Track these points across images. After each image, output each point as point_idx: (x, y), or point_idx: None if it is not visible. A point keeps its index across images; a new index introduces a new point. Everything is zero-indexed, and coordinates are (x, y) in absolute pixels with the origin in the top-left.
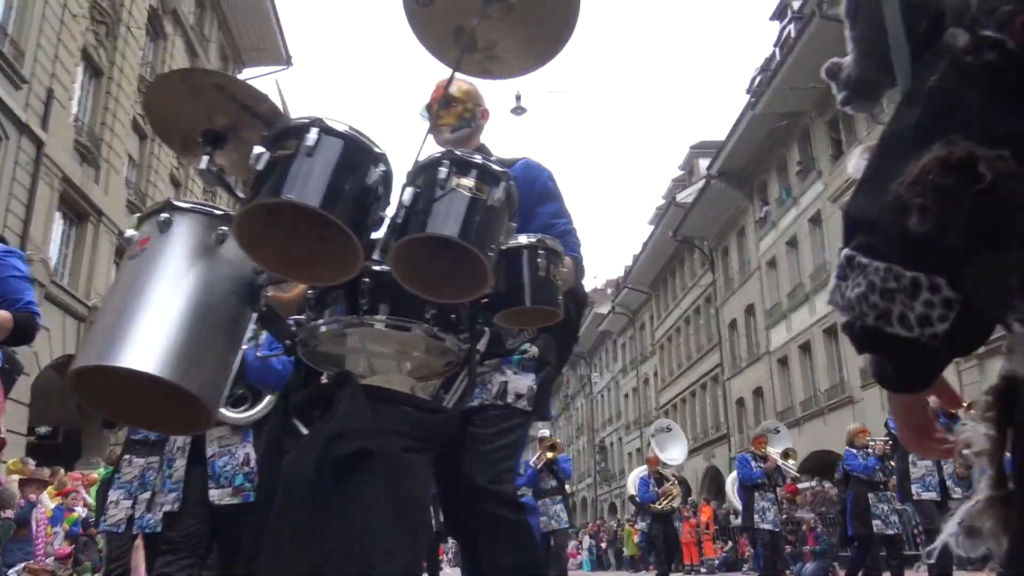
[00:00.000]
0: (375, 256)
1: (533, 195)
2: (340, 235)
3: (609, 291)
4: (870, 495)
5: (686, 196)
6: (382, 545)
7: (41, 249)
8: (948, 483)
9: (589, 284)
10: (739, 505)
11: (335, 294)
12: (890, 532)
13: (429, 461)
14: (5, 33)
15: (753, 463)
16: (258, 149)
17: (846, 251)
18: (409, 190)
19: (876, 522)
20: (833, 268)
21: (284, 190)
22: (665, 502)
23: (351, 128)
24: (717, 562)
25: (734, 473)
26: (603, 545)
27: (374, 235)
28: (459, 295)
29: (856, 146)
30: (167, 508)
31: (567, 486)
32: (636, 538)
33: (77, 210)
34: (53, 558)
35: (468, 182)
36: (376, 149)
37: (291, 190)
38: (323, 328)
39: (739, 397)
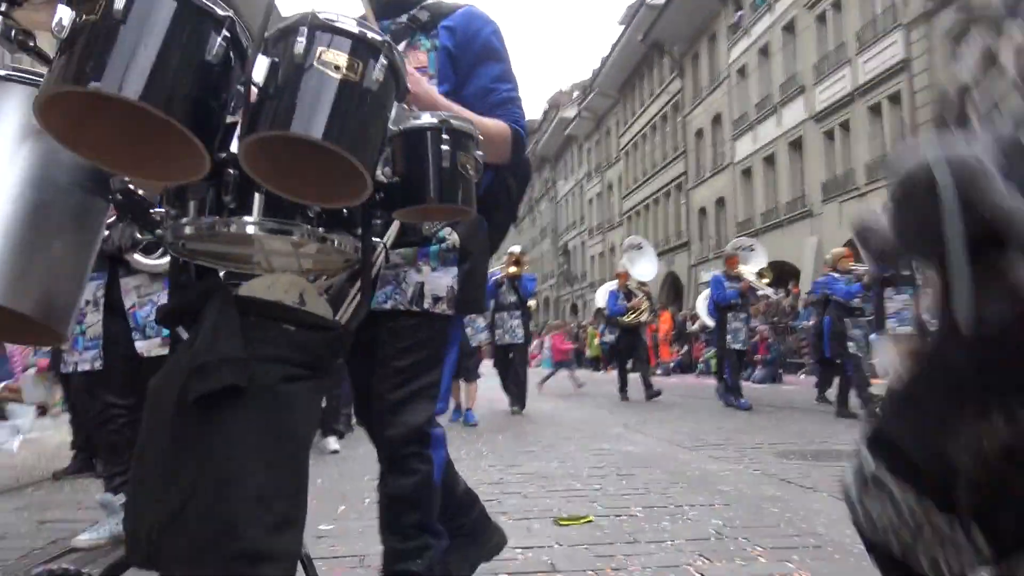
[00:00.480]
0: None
1: (472, 52)
2: (176, 132)
3: (575, 94)
4: (847, 319)
5: None
6: (251, 495)
7: None
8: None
9: (555, 86)
10: (710, 323)
11: (196, 186)
12: (862, 356)
13: (317, 387)
14: None
15: (727, 283)
16: (61, 9)
17: (872, 467)
18: (264, 63)
19: (850, 344)
20: (804, 80)
21: (89, 74)
22: (633, 316)
23: None
24: (672, 364)
25: (707, 292)
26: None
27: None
28: (334, 199)
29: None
30: (85, 367)
31: (530, 302)
32: (597, 341)
33: None
34: (35, 369)
35: (335, 58)
36: (217, 10)
37: (97, 74)
38: (187, 229)
39: (701, 207)
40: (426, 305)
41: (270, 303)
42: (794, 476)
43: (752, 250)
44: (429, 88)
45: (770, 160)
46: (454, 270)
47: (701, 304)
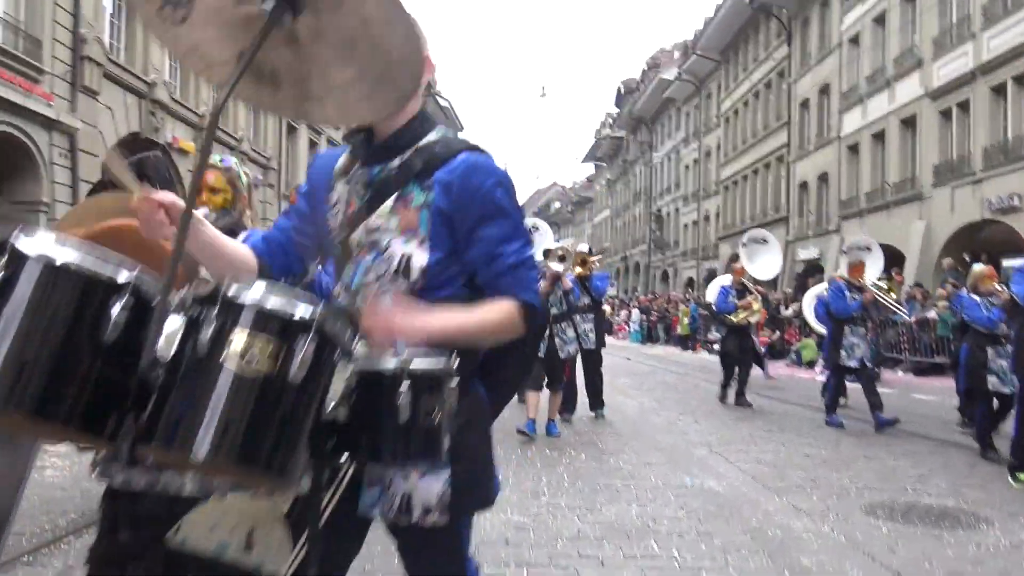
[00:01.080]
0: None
1: (473, 213)
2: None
3: (676, 55)
4: (988, 349)
5: None
6: None
7: (94, 26)
8: None
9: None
10: (819, 328)
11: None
12: (1006, 391)
13: None
14: None
15: (848, 294)
16: None
17: None
18: (174, 326)
19: (992, 378)
20: (922, 54)
21: None
22: (743, 315)
23: (80, 248)
24: (764, 350)
25: (815, 291)
26: (653, 319)
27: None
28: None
29: None
30: None
31: (603, 303)
32: (687, 320)
33: None
34: None
35: (242, 345)
36: (118, 277)
37: None
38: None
39: (803, 181)
40: (415, 518)
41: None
42: (879, 549)
43: (868, 250)
44: (414, 320)
45: (879, 137)
46: (446, 474)
47: (808, 304)
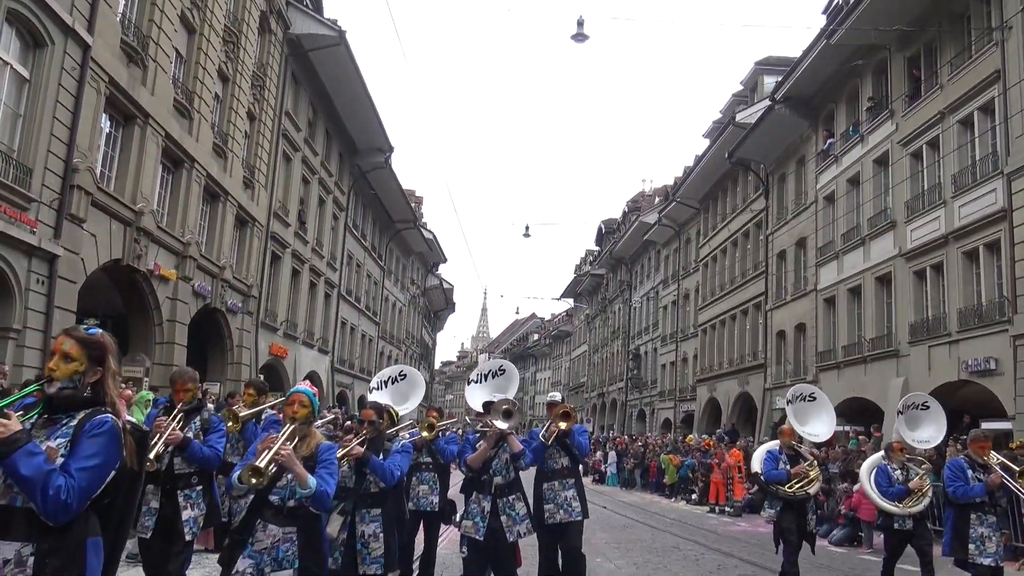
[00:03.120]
0: None
1: None
2: None
3: (657, 200)
4: (972, 515)
5: (747, 116)
6: None
7: (88, 156)
8: None
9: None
10: (884, 505)
11: None
12: (989, 562)
13: None
14: None
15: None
16: None
17: None
18: None
19: (971, 546)
20: (895, 215)
21: None
22: (799, 485)
23: None
24: (743, 503)
25: (873, 460)
26: (630, 463)
27: None
28: None
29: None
30: None
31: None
32: (677, 467)
33: (124, 112)
34: None
35: None
36: None
37: None
38: None
39: (780, 329)
40: None
41: None
42: None
43: (927, 408)
44: None
45: (855, 292)
46: None
47: (866, 476)
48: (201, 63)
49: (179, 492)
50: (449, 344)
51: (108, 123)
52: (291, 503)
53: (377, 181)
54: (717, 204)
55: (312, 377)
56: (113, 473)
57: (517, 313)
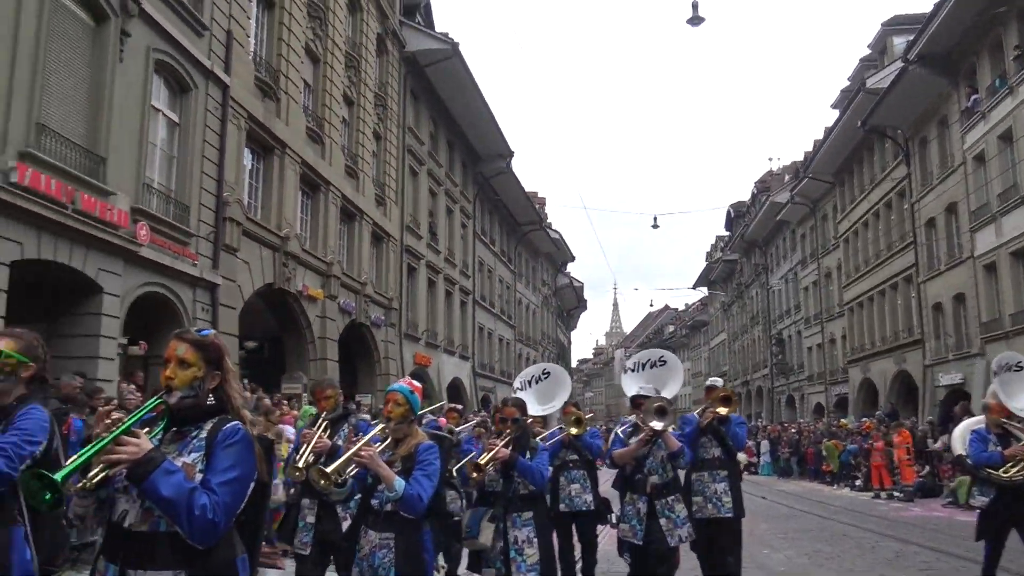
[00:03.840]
0: None
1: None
2: None
3: (787, 178)
4: None
5: (878, 81)
6: None
7: (235, 189)
8: None
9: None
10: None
11: None
12: None
13: None
14: None
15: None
16: None
17: None
18: None
19: None
20: None
21: None
22: (1015, 469)
23: None
24: (914, 488)
25: (971, 422)
26: (784, 451)
27: None
28: None
29: None
30: None
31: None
32: (840, 454)
33: (263, 144)
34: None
35: None
36: None
37: None
38: None
39: (936, 302)
40: None
41: None
42: None
43: (1020, 369)
44: None
45: (1019, 255)
46: None
47: (959, 442)
48: (327, 90)
49: (339, 506)
50: (584, 342)
51: (250, 156)
52: (388, 507)
53: (500, 186)
54: (853, 176)
55: (455, 383)
56: (251, 486)
57: (651, 306)
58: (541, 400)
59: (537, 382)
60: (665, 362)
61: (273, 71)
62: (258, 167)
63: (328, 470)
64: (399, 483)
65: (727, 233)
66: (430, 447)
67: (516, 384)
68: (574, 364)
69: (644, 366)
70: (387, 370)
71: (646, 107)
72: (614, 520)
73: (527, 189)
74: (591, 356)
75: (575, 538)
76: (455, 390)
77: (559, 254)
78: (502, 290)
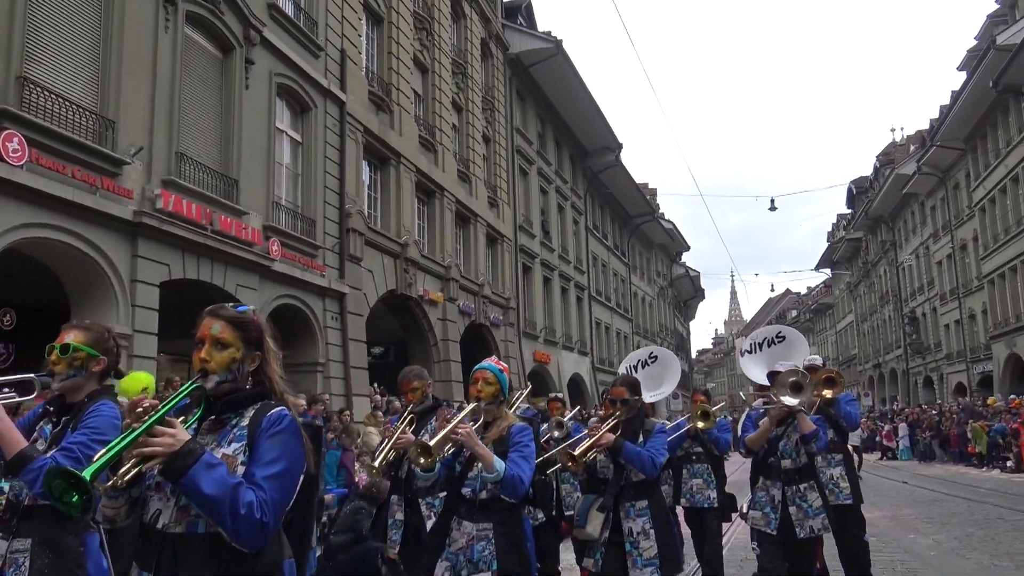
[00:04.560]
0: None
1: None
2: None
3: (912, 148)
4: None
5: (1009, 37)
6: None
7: (356, 201)
8: None
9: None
10: None
11: None
12: None
13: None
14: (299, 7)
15: None
16: None
17: None
18: None
19: None
20: None
21: None
22: None
23: None
24: None
25: None
26: (925, 434)
27: None
28: None
29: None
30: None
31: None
32: (987, 435)
33: (379, 156)
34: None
35: None
36: None
37: None
38: None
39: None
40: None
41: None
42: None
43: None
44: None
45: None
46: None
47: None
48: (437, 98)
49: (421, 501)
50: (703, 332)
51: (368, 168)
52: (483, 495)
53: (610, 180)
54: (987, 140)
55: (575, 379)
56: (300, 479)
57: (771, 291)
58: (648, 385)
59: (644, 366)
60: (784, 338)
61: (385, 84)
62: (376, 178)
63: (431, 443)
64: (499, 463)
65: (849, 211)
66: (524, 428)
67: (621, 369)
68: (693, 355)
69: (761, 345)
70: (515, 369)
71: (757, 85)
72: (745, 509)
73: (637, 180)
74: (711, 346)
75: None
76: (575, 386)
77: (673, 244)
78: (617, 284)
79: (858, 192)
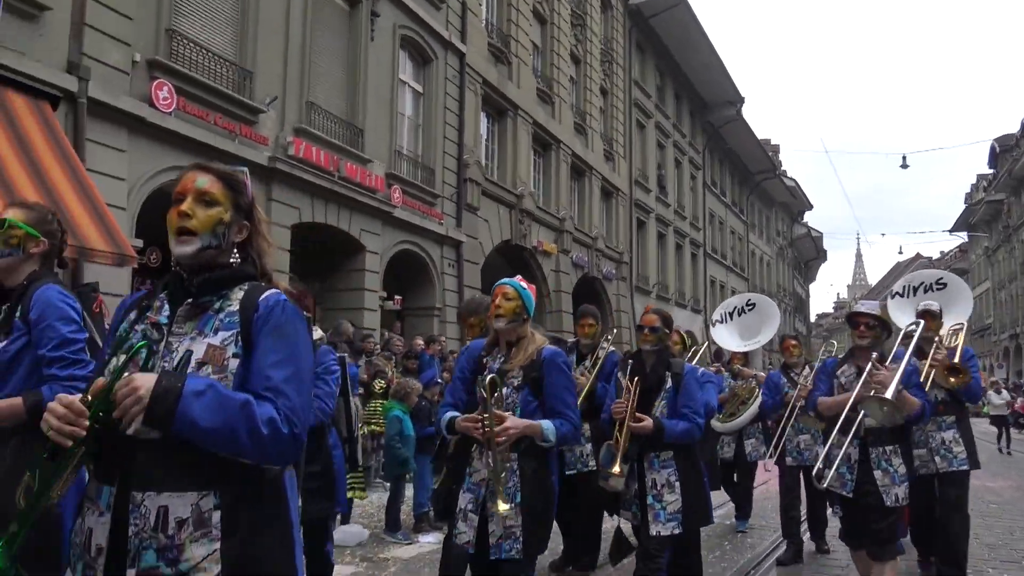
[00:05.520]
0: None
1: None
2: None
3: None
4: None
5: None
6: None
7: (474, 152)
8: None
9: None
10: None
11: None
12: None
13: None
14: None
15: None
16: None
17: None
18: None
19: None
20: None
21: None
22: None
23: None
24: None
25: None
26: None
27: None
28: None
29: None
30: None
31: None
32: None
33: (497, 108)
34: None
35: None
36: None
37: None
38: None
39: None
40: None
41: None
42: None
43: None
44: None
45: None
46: None
47: None
48: (555, 51)
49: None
50: (824, 295)
51: (486, 120)
52: None
53: (730, 135)
54: None
55: (689, 336)
56: None
57: (900, 253)
58: (744, 334)
59: (740, 314)
60: (944, 285)
61: (504, 36)
62: (493, 129)
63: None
64: (549, 430)
65: (991, 171)
66: (556, 353)
67: (715, 316)
68: (812, 319)
69: (916, 290)
70: (619, 323)
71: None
72: (820, 465)
73: (759, 136)
74: (831, 310)
75: (802, 490)
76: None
77: (795, 203)
78: (734, 242)
79: (1002, 151)
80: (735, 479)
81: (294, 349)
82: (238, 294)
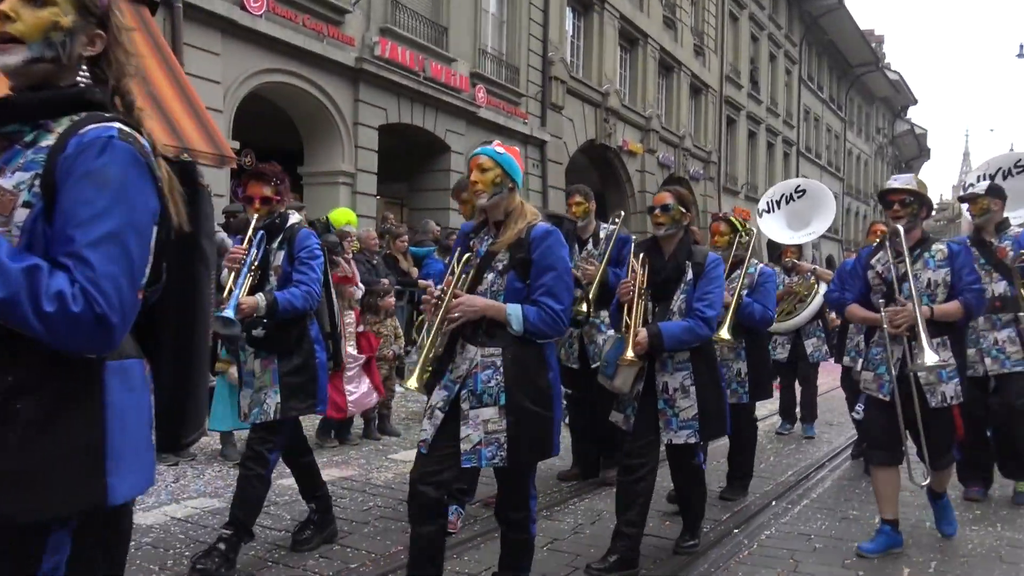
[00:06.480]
0: None
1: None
2: None
3: None
4: None
5: None
6: None
7: (559, 49)
8: None
9: None
10: None
11: None
12: None
13: None
14: None
15: None
16: None
17: None
18: None
19: None
20: None
21: None
22: None
23: None
24: None
25: None
26: None
27: None
28: None
29: None
30: None
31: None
32: None
33: (583, 2)
34: None
35: None
36: None
37: None
38: None
39: None
40: None
41: None
42: None
43: None
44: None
45: None
46: None
47: None
48: None
49: None
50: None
51: (571, 15)
52: None
53: (830, 25)
54: None
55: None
56: (153, 236)
57: (1011, 150)
58: (794, 223)
59: (788, 201)
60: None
61: None
62: (579, 25)
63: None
64: (514, 316)
65: None
66: (549, 231)
67: (761, 205)
68: None
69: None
70: (704, 223)
71: None
72: (858, 368)
73: (862, 27)
74: (934, 212)
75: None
76: (776, 245)
77: (898, 97)
78: (830, 140)
79: None
80: (794, 382)
81: (112, 202)
82: (63, 126)
